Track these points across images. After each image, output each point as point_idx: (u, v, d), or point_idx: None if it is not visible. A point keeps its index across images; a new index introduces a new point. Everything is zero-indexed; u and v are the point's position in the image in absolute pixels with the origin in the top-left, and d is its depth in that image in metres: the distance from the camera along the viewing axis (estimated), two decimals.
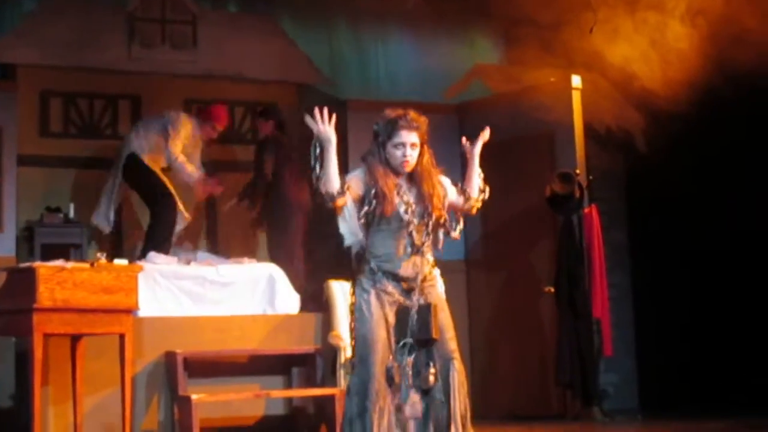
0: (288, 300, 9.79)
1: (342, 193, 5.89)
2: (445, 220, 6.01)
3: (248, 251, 10.61)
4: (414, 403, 5.67)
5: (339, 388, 8.96)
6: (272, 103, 11.37)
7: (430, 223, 5.94)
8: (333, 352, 9.29)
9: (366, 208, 5.91)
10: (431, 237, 5.96)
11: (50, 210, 10.23)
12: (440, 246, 6.04)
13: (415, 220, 5.90)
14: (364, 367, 5.69)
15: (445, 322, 5.90)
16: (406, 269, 5.89)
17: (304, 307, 9.97)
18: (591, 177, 10.01)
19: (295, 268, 10.31)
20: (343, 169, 10.45)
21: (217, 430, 8.86)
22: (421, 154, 6.03)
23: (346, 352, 9.22)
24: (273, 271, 9.87)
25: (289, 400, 9.46)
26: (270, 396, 9.25)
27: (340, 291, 9.70)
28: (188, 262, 9.96)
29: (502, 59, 11.98)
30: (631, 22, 9.33)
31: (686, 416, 9.34)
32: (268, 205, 10.51)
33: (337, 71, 11.72)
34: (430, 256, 6.00)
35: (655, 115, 9.42)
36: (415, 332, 5.73)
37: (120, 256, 9.50)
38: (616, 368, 10.63)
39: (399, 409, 5.66)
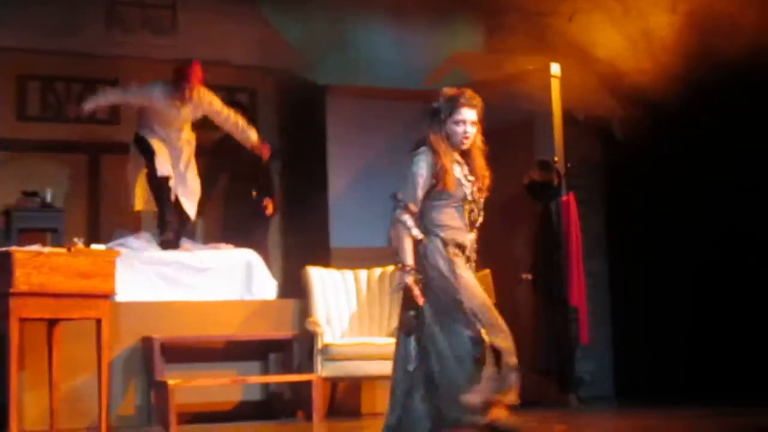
0: (265, 286, 9.80)
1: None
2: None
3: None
4: None
5: (316, 374, 8.97)
6: (250, 90, 11.37)
7: (481, 199, 6.23)
8: (310, 338, 9.30)
9: (432, 182, 6.06)
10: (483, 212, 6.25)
11: (27, 194, 10.19)
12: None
13: (472, 196, 6.16)
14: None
15: None
16: (468, 241, 6.17)
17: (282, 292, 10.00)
18: (569, 165, 10.03)
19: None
20: (323, 154, 10.65)
21: (194, 415, 8.87)
22: (477, 133, 6.24)
23: (323, 338, 9.24)
24: (251, 257, 9.88)
25: (265, 386, 9.48)
26: (247, 381, 9.26)
27: (318, 277, 9.71)
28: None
29: (482, 47, 11.97)
30: (611, 11, 9.35)
31: (661, 404, 9.37)
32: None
33: (317, 57, 11.69)
34: None
35: (635, 103, 9.44)
36: None
37: (97, 240, 9.47)
38: (592, 356, 10.67)
39: None
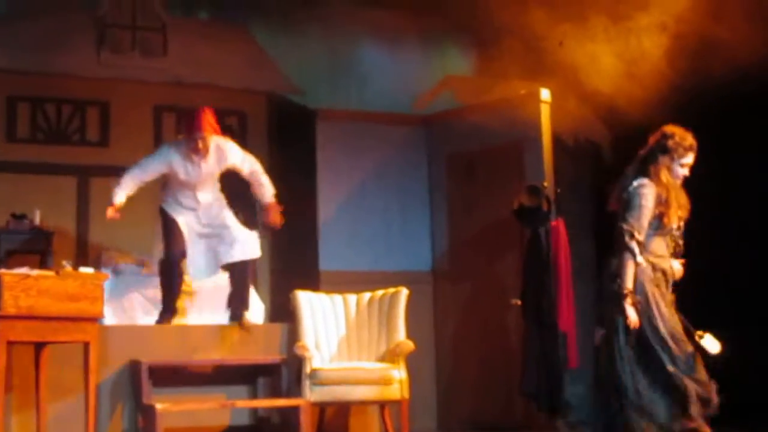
0: (254, 309, 9.77)
1: None
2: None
3: None
4: None
5: (304, 399, 8.94)
6: (241, 113, 11.37)
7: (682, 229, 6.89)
8: (298, 362, 9.27)
9: (655, 213, 6.72)
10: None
11: (16, 216, 10.18)
12: None
13: (677, 227, 6.85)
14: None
15: None
16: (670, 268, 6.82)
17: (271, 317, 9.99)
18: (559, 190, 10.03)
19: None
20: (313, 177, 10.63)
21: None
22: None
23: (312, 363, 9.21)
24: None
25: (254, 410, 9.44)
26: (235, 406, 9.21)
27: (306, 301, 9.69)
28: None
29: (472, 71, 12.00)
30: (600, 37, 9.37)
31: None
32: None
33: (307, 80, 11.71)
34: None
35: (623, 128, 9.45)
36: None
37: (86, 264, 9.45)
38: (581, 380, 10.64)
39: None
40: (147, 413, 8.58)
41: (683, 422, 6.66)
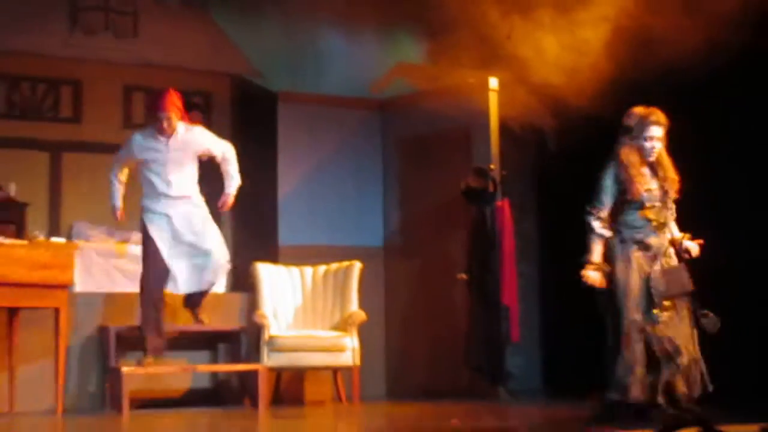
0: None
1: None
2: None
3: None
4: None
5: (262, 364, 9.00)
6: (206, 93, 11.37)
7: (670, 201, 6.97)
8: (257, 329, 9.33)
9: (616, 191, 6.95)
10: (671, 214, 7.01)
11: None
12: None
13: (657, 203, 6.91)
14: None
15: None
16: (654, 239, 6.90)
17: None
18: (504, 172, 10.08)
19: None
20: (274, 156, 10.64)
21: (146, 401, 8.87)
22: (663, 146, 7.04)
23: (270, 331, 9.27)
24: None
25: (214, 375, 9.52)
26: (196, 370, 9.28)
27: (266, 273, 9.74)
28: (124, 242, 9.96)
29: (424, 59, 12.02)
30: (547, 29, 9.41)
31: (584, 396, 9.46)
32: None
33: (269, 64, 11.71)
34: (673, 230, 7.05)
35: (567, 116, 9.51)
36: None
37: (58, 235, 9.47)
38: (521, 351, 10.73)
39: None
40: (114, 376, 8.63)
41: (606, 395, 6.83)
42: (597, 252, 6.94)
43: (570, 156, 9.97)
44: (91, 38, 10.86)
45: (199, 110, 10.68)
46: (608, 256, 7.00)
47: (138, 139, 8.72)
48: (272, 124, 10.95)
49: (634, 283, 6.84)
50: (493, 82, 10.16)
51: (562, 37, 9.42)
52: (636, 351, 6.74)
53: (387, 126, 11.22)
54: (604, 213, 6.94)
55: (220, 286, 9.90)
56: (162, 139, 8.64)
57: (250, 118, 11.40)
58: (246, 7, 11.68)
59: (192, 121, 10.39)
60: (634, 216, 6.93)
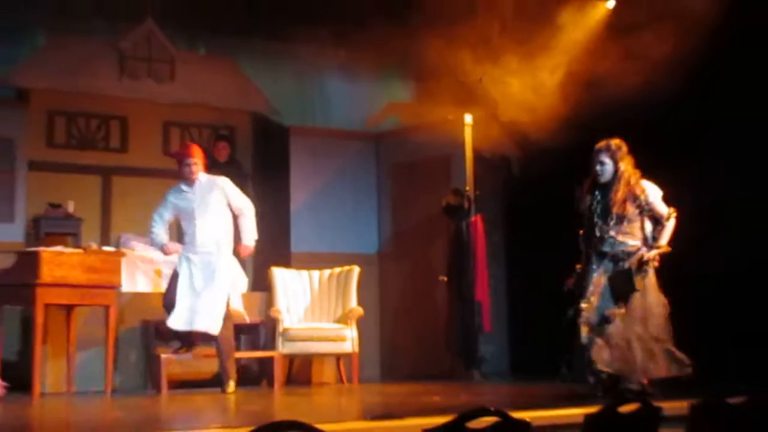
0: (239, 281, 9.78)
1: None
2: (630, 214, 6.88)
3: None
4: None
5: (277, 352, 8.98)
6: (231, 127, 11.36)
7: (615, 214, 6.83)
8: (273, 323, 9.31)
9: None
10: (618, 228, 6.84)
11: (53, 206, 10.14)
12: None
13: (598, 219, 6.84)
14: None
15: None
16: (604, 246, 6.84)
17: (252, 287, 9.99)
18: (477, 192, 10.07)
19: None
20: (287, 178, 10.64)
21: (181, 382, 8.84)
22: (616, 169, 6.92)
23: (283, 324, 9.25)
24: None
25: (238, 360, 9.46)
26: None
27: (280, 276, 9.72)
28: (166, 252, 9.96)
29: (411, 99, 12.05)
30: (512, 74, 9.43)
31: (545, 377, 9.45)
32: None
33: (283, 103, 11.72)
34: (630, 241, 6.85)
35: (528, 146, 9.51)
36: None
37: (107, 244, 9.46)
38: (492, 340, 10.70)
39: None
40: (154, 361, 8.61)
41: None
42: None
43: (531, 179, 10.00)
44: (135, 82, 10.84)
45: (226, 140, 10.66)
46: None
47: (170, 194, 8.24)
48: (285, 153, 10.96)
49: (593, 286, 6.78)
50: (468, 118, 10.16)
51: (524, 81, 9.45)
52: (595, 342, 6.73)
53: (380, 154, 11.22)
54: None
55: (244, 287, 9.87)
56: (188, 188, 8.16)
57: (267, 147, 11.40)
58: (265, 55, 11.70)
59: (221, 150, 10.40)
60: (596, 229, 6.87)
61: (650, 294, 6.85)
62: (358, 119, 11.64)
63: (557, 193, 8.06)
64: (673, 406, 5.00)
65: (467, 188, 9.99)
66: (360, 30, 9.55)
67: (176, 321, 7.98)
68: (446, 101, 10.26)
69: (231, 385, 8.01)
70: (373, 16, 9.11)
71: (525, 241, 10.54)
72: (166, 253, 8.32)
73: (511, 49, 9.42)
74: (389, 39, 9.36)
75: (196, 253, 8.09)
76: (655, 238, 6.90)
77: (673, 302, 7.14)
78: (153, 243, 8.39)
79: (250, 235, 8.33)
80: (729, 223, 8.40)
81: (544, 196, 9.50)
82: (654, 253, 6.83)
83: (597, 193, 6.92)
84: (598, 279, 6.81)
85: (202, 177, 8.19)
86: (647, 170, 7.31)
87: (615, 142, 7.01)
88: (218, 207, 8.18)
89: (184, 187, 8.18)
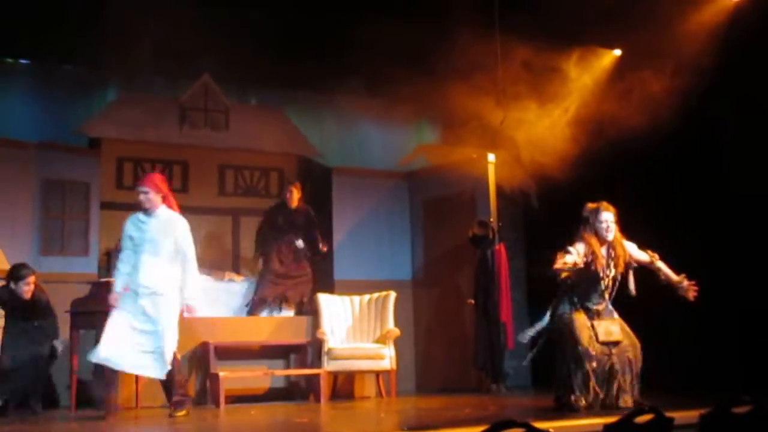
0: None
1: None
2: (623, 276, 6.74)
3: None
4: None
5: (323, 369, 8.93)
6: (280, 169, 11.37)
7: (618, 275, 6.69)
8: (319, 343, 9.27)
9: (583, 264, 6.58)
10: (614, 285, 6.72)
11: None
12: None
13: (609, 274, 6.66)
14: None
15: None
16: (596, 306, 6.70)
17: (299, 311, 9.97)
18: (500, 224, 10.03)
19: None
20: (330, 214, 10.63)
21: (237, 397, 8.81)
22: (616, 229, 6.72)
23: (328, 344, 9.20)
24: None
25: (288, 377, 9.45)
26: (274, 374, 9.24)
27: (325, 301, 9.69)
28: (219, 279, 9.99)
29: (439, 141, 12.04)
30: (529, 118, 9.41)
31: None
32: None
33: (326, 147, 11.73)
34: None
35: (545, 182, 9.45)
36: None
37: None
38: (516, 357, 10.60)
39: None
40: (213, 379, 8.59)
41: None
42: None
43: (548, 211, 9.92)
44: (194, 130, 10.88)
45: (294, 185, 10.34)
46: (555, 315, 6.79)
47: (128, 221, 7.26)
48: (328, 191, 10.96)
49: (580, 327, 6.62)
50: (491, 157, 10.14)
51: (541, 123, 9.42)
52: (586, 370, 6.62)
53: (412, 191, 11.20)
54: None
55: (292, 311, 9.83)
56: (145, 218, 7.14)
57: (312, 186, 11.40)
58: (309, 105, 11.76)
59: (292, 193, 10.12)
60: (587, 287, 6.69)
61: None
62: (391, 160, 11.62)
63: (571, 223, 8.00)
64: (684, 416, 4.91)
65: (491, 220, 9.94)
66: (392, 82, 9.56)
67: (99, 354, 6.95)
68: (471, 142, 10.26)
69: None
70: (404, 70, 9.12)
71: (543, 266, 10.44)
72: (111, 302, 7.09)
73: (528, 95, 9.40)
74: (418, 89, 9.37)
75: (137, 291, 7.05)
76: (668, 280, 6.78)
77: (678, 315, 7.05)
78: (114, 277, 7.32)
79: (191, 288, 7.11)
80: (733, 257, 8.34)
81: (559, 226, 9.41)
82: (687, 282, 6.72)
83: (603, 252, 6.73)
84: (580, 325, 6.66)
85: (162, 212, 7.16)
86: (649, 201, 7.24)
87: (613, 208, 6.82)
88: (167, 248, 7.09)
89: (141, 216, 7.19)
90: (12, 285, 7.86)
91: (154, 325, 7.04)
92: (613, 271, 6.68)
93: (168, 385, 7.16)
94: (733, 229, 8.65)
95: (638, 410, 4.36)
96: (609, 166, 8.95)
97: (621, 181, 9.05)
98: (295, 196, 10.11)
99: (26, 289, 7.84)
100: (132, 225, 7.19)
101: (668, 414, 4.46)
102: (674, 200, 8.91)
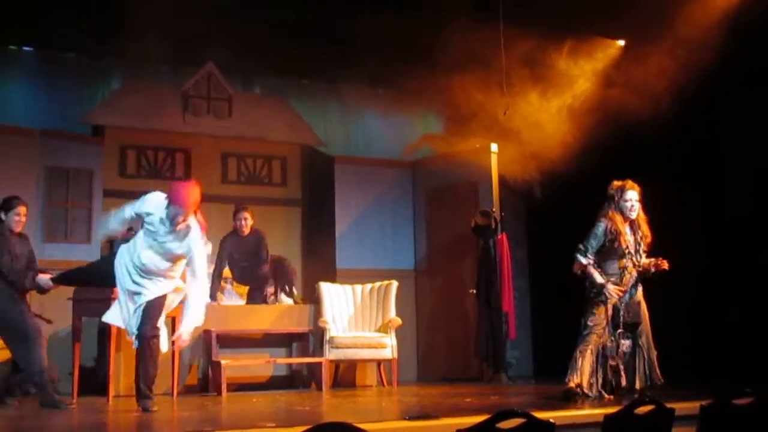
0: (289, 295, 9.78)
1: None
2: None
3: None
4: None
5: (325, 358, 8.92)
6: (283, 158, 11.35)
7: (643, 253, 6.75)
8: (321, 332, 9.26)
9: (604, 241, 6.68)
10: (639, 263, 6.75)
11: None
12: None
13: (633, 254, 6.71)
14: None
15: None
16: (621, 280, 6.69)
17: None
18: (503, 214, 10.02)
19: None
20: (332, 203, 10.61)
21: (239, 385, 8.82)
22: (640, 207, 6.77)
23: (330, 332, 9.20)
24: None
25: (290, 366, 9.44)
26: (276, 362, 9.22)
27: (327, 289, 9.68)
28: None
29: (443, 130, 12.01)
30: (532, 108, 9.39)
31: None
32: None
33: (329, 136, 11.72)
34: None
35: (547, 171, 9.44)
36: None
37: None
38: (517, 346, 10.64)
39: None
40: (215, 367, 8.59)
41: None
42: (598, 274, 6.68)
43: (551, 201, 9.92)
44: (197, 118, 10.86)
45: (246, 210, 9.70)
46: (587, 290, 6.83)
47: (159, 203, 6.62)
48: (331, 180, 10.95)
49: (604, 313, 6.69)
50: (494, 147, 10.13)
51: (542, 114, 9.40)
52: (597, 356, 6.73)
53: (416, 180, 11.19)
54: (590, 253, 6.69)
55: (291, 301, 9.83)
56: (168, 223, 6.57)
57: (315, 175, 11.40)
58: (313, 94, 11.74)
59: (248, 216, 9.69)
60: (613, 264, 6.73)
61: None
62: (395, 149, 11.60)
63: (573, 213, 7.98)
64: (685, 407, 4.90)
65: (494, 210, 9.93)
66: (396, 73, 9.53)
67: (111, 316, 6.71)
68: (474, 133, 10.22)
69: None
70: (408, 61, 9.10)
71: (545, 256, 10.45)
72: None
73: (531, 85, 9.38)
74: (422, 80, 9.34)
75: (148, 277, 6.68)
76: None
77: (682, 306, 7.05)
78: (100, 226, 6.95)
79: (195, 314, 6.58)
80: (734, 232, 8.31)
81: (561, 215, 9.42)
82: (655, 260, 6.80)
83: (627, 230, 6.79)
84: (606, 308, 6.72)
85: (188, 223, 6.60)
86: (652, 190, 7.24)
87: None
88: (177, 254, 6.63)
89: (167, 218, 6.57)
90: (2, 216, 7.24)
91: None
92: (639, 245, 6.74)
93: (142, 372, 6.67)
94: (735, 221, 8.63)
95: (639, 401, 4.35)
96: (611, 157, 8.93)
97: (624, 171, 9.03)
98: (248, 224, 9.48)
99: (16, 220, 7.26)
100: (157, 213, 6.52)
101: (669, 405, 4.45)
102: (677, 191, 8.89)
